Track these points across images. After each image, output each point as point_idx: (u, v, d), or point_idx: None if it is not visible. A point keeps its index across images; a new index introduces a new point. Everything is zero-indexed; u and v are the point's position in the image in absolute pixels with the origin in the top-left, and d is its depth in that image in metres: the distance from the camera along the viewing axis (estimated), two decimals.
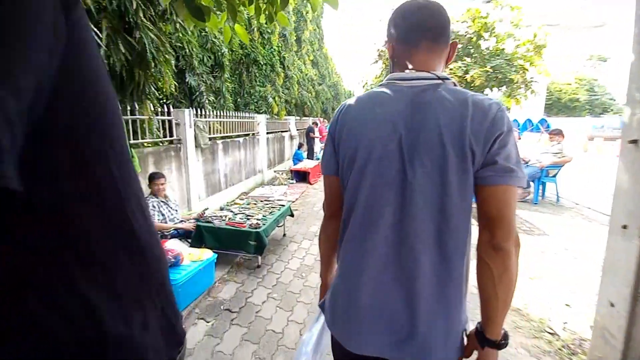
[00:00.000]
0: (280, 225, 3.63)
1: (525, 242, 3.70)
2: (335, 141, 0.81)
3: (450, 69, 5.97)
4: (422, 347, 0.73)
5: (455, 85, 0.75)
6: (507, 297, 0.69)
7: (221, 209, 3.32)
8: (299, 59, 12.86)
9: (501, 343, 0.73)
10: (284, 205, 3.49)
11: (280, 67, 9.03)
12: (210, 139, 5.12)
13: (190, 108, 4.69)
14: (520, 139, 23.81)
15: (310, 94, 12.37)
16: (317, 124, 10.94)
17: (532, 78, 5.96)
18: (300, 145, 8.84)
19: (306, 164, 7.73)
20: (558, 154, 5.39)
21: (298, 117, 11.71)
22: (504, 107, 0.70)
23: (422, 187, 0.70)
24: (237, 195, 6.03)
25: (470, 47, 6.45)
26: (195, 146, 4.58)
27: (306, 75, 13.27)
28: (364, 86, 8.68)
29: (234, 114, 6.03)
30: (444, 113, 0.69)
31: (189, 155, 4.41)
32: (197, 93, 5.26)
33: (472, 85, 5.85)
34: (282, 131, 9.26)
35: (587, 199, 5.99)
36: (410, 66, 0.77)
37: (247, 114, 6.77)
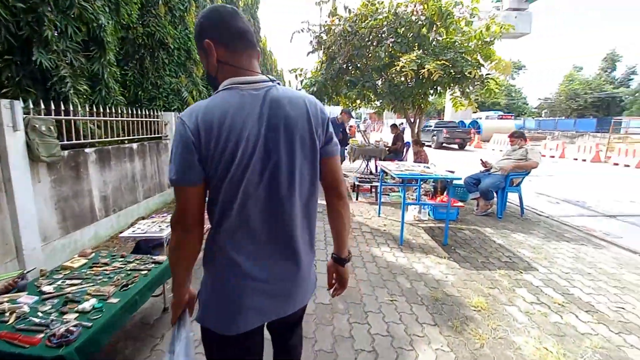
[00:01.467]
0: (156, 294, 2.18)
1: (514, 285, 2.75)
2: (199, 148, 0.82)
3: (402, 63, 5.00)
4: (304, 295, 1.03)
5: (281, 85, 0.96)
6: (349, 225, 1.27)
7: (19, 280, 1.75)
8: None
9: (350, 257, 1.12)
10: (159, 264, 2.04)
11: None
12: (71, 146, 3.42)
13: (22, 100, 2.97)
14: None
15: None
16: None
17: (488, 74, 5.28)
18: None
19: None
20: (521, 160, 4.74)
21: None
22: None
23: (293, 169, 0.90)
24: (128, 224, 4.33)
25: (421, 37, 5.60)
26: (32, 159, 2.88)
27: None
28: (302, 81, 7.44)
29: (124, 111, 4.31)
30: (293, 109, 0.90)
31: (14, 175, 2.69)
32: (55, 79, 3.51)
33: (429, 80, 4.96)
34: None
35: (544, 208, 5.49)
36: (244, 70, 0.91)
37: (149, 112, 5.06)
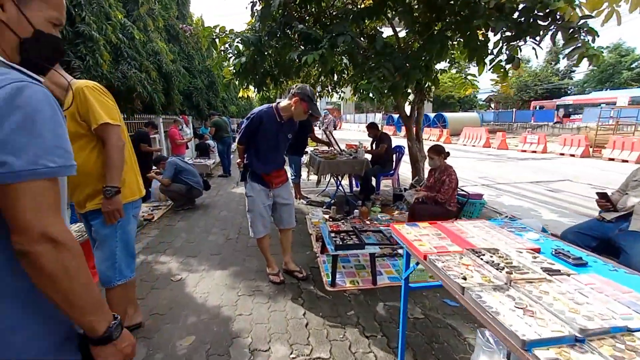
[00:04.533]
0: None
1: None
2: None
3: None
4: None
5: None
6: (64, 298, 0.62)
7: None
8: (125, 16, 7.69)
9: (102, 337, 0.68)
10: None
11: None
12: None
13: None
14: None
15: (145, 75, 7.27)
16: (152, 126, 6.06)
17: (588, 17, 2.58)
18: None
19: None
20: None
21: (124, 115, 6.58)
22: (14, 84, 0.58)
23: None
24: None
25: None
26: None
27: (144, 45, 8.12)
28: (225, 50, 4.31)
29: None
30: None
31: None
32: None
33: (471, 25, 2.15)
34: None
35: None
36: None
37: None
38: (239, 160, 2.61)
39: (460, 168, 8.75)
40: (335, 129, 18.58)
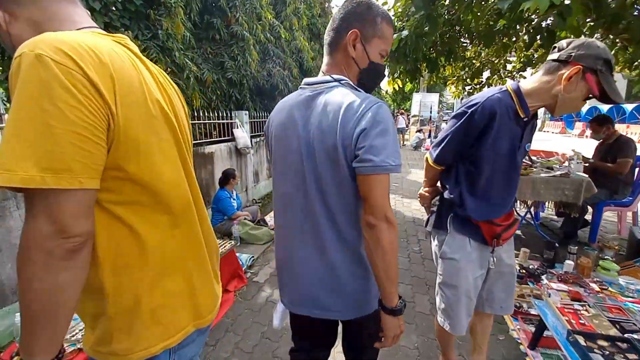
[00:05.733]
0: None
1: None
2: (268, 142, 1.03)
3: None
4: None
5: (350, 86, 0.90)
6: (385, 267, 0.83)
7: None
8: (274, 17, 7.85)
9: (395, 309, 0.86)
10: None
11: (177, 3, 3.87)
12: None
13: None
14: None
15: (287, 72, 7.13)
16: None
17: None
18: (227, 178, 3.69)
19: None
20: None
21: (266, 114, 6.54)
22: (376, 105, 0.81)
23: (312, 177, 0.88)
24: None
25: None
26: None
27: (288, 44, 8.15)
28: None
29: None
30: (323, 115, 0.85)
31: None
32: None
33: None
34: (204, 142, 4.08)
35: None
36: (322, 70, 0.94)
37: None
38: (425, 189, 1.49)
39: None
40: None
